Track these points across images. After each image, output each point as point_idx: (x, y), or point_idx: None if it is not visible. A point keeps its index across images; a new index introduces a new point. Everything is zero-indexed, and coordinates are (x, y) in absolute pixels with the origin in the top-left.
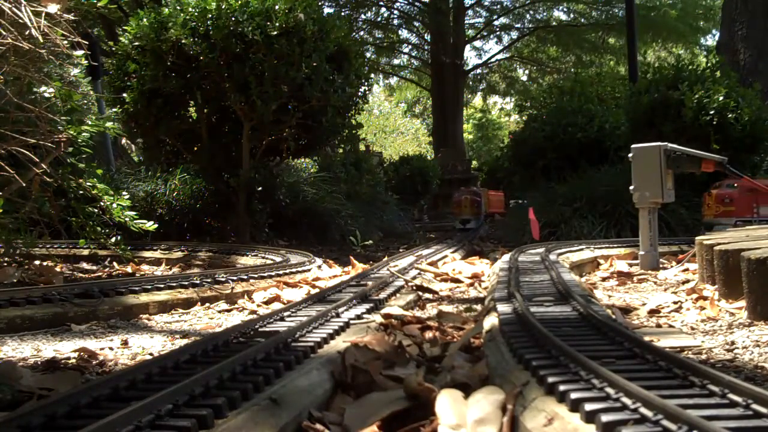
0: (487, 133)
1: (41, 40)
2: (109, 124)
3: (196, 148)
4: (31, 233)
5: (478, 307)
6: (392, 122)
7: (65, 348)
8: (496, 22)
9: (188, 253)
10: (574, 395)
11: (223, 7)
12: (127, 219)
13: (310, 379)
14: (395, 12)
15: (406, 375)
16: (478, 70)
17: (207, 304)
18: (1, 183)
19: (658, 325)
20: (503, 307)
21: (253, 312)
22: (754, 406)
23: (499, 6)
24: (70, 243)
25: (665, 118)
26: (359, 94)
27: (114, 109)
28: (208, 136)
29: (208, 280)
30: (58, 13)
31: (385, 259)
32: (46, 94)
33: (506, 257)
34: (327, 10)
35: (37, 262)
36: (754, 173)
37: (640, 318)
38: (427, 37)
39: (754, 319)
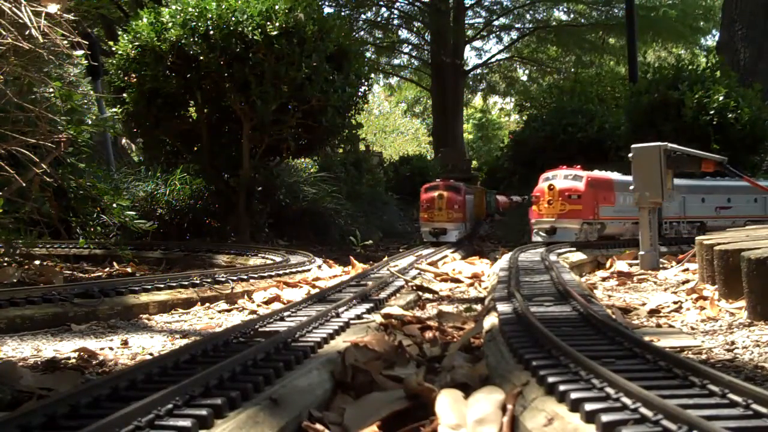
0: (487, 133)
1: (41, 40)
2: (109, 124)
3: (196, 148)
4: (31, 233)
5: (478, 306)
6: (392, 122)
7: (65, 348)
8: (496, 22)
9: (188, 253)
10: (574, 395)
11: (223, 7)
12: (127, 219)
13: (310, 379)
14: (395, 12)
15: (406, 375)
16: (478, 70)
17: (207, 304)
18: (1, 183)
19: (658, 325)
20: (503, 307)
21: (253, 312)
22: (754, 406)
23: (499, 6)
24: (70, 243)
25: (665, 118)
26: (359, 94)
27: (114, 109)
28: (208, 136)
29: (208, 280)
30: (58, 13)
31: (385, 259)
32: (46, 94)
33: (506, 257)
34: (327, 10)
35: (37, 262)
36: (754, 173)
37: (641, 318)
38: (427, 37)
39: (754, 319)
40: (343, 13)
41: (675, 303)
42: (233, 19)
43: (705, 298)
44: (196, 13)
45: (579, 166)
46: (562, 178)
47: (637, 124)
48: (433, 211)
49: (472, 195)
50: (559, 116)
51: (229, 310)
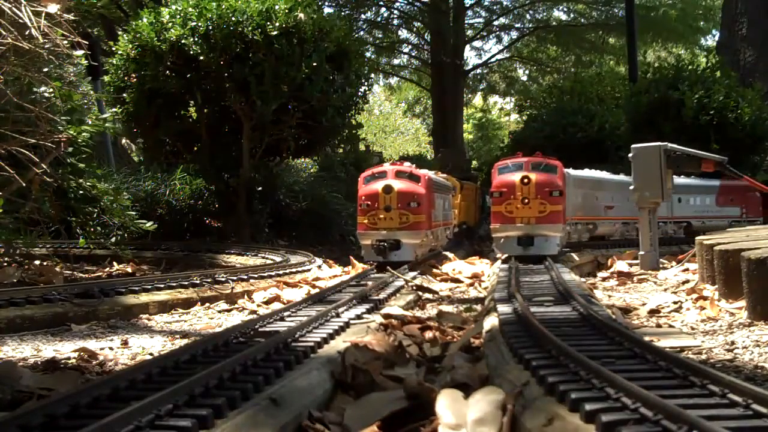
0: (487, 133)
1: (41, 40)
2: (108, 125)
3: (196, 148)
4: (31, 233)
5: (478, 307)
6: (392, 122)
7: (65, 348)
8: (496, 22)
9: (188, 253)
10: (574, 395)
11: (223, 7)
12: (127, 219)
13: (310, 379)
14: (395, 12)
15: (406, 375)
16: (478, 70)
17: (207, 304)
18: (1, 183)
19: (659, 325)
20: (503, 308)
21: (253, 312)
22: (754, 406)
23: (499, 6)
24: (70, 243)
25: (665, 118)
26: (359, 94)
27: (114, 109)
28: (208, 136)
29: (208, 280)
30: (58, 13)
31: None
32: (46, 94)
33: (506, 257)
34: (327, 10)
35: (37, 262)
36: (754, 173)
37: (641, 318)
38: (427, 37)
39: (754, 319)
40: (343, 13)
41: (675, 303)
42: (233, 19)
43: (705, 298)
44: (196, 13)
45: (539, 153)
46: (531, 168)
47: (637, 124)
48: (377, 212)
49: (450, 190)
50: (559, 116)
51: (229, 310)
